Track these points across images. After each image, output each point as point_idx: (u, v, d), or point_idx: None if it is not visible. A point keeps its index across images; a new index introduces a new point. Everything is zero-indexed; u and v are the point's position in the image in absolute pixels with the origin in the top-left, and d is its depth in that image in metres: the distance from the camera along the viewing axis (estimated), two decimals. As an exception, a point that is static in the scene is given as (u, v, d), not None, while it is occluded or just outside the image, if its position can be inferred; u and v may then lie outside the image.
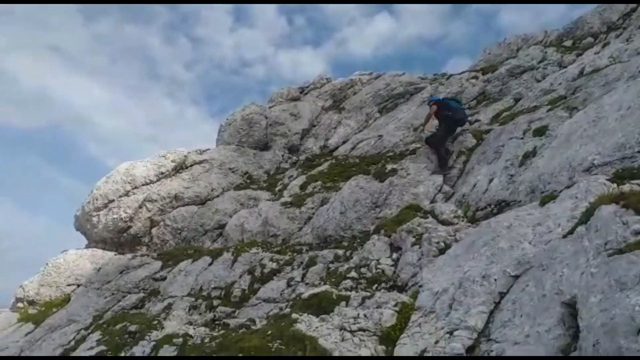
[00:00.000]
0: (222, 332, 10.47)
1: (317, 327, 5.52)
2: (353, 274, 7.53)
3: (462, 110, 12.75)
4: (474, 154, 11.59)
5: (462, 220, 8.43)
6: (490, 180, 9.08)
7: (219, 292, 12.16)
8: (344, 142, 20.07)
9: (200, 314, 11.72)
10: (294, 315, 5.93)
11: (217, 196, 18.08)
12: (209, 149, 21.22)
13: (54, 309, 14.74)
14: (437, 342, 4.67)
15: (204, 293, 12.38)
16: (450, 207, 8.94)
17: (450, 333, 4.69)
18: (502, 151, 10.06)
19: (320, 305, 6.28)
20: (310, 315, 5.94)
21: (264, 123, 21.59)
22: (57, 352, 12.32)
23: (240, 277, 12.18)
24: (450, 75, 22.16)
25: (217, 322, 11.17)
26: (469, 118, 14.38)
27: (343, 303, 6.25)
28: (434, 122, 13.16)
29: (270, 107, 22.92)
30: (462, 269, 5.65)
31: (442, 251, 7.13)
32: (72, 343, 12.46)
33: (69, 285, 15.79)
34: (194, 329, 11.34)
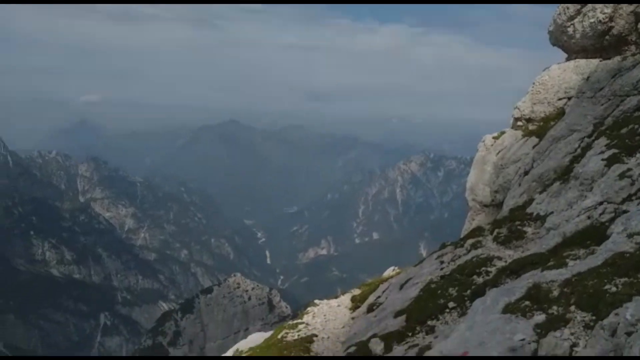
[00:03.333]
0: None
1: None
2: None
3: None
4: None
5: None
6: None
7: None
8: None
9: None
10: None
11: None
12: None
13: (551, 123, 15.91)
14: None
15: None
16: None
17: None
18: None
19: None
20: None
21: None
22: (567, 160, 13.48)
23: None
24: None
25: None
26: None
27: None
28: None
29: None
30: None
31: None
32: (579, 150, 13.31)
33: (559, 99, 16.47)
34: None
